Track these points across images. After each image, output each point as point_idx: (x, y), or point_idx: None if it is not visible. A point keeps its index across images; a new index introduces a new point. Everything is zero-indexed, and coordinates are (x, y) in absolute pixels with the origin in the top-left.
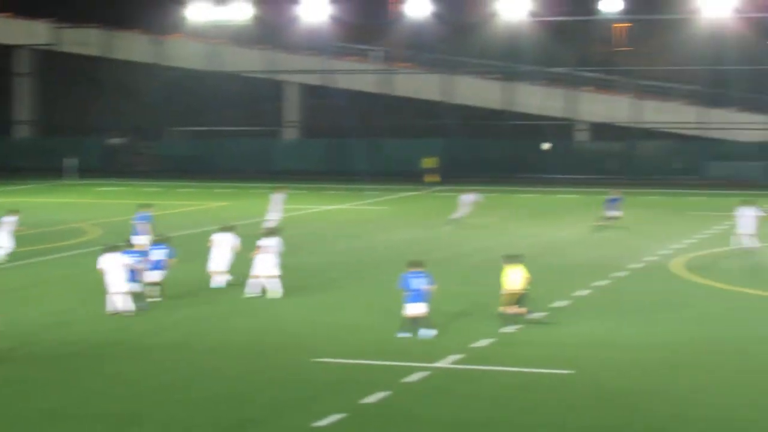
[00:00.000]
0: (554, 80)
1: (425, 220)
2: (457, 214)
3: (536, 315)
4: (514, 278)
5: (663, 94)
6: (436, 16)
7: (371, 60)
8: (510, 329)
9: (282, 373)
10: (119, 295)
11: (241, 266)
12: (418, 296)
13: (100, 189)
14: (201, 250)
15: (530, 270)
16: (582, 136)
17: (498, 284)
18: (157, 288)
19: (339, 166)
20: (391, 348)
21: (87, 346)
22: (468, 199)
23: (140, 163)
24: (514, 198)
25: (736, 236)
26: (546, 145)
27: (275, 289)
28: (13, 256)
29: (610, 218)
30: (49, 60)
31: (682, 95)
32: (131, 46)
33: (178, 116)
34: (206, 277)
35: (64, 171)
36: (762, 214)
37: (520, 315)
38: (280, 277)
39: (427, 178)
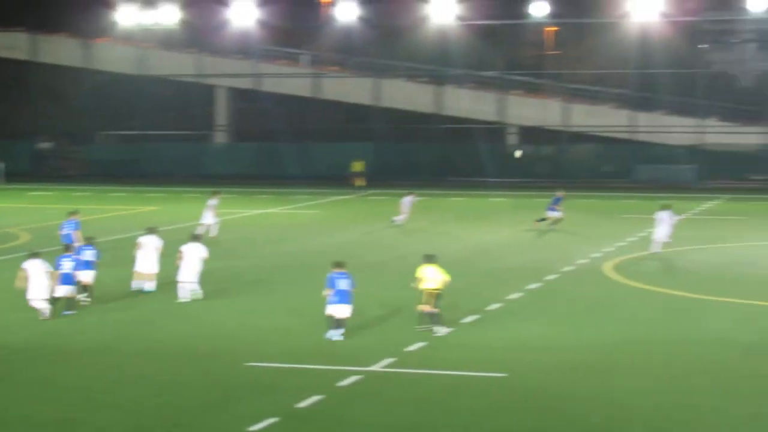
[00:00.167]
0: (484, 84)
1: (357, 224)
2: (399, 217)
3: (441, 330)
4: (431, 277)
5: (592, 97)
6: (366, 19)
7: (302, 64)
8: (443, 332)
9: (215, 378)
10: (38, 301)
11: (168, 269)
12: (342, 297)
13: (29, 194)
14: (132, 255)
15: (463, 273)
16: (512, 139)
17: None
18: (87, 290)
19: (270, 170)
20: (325, 352)
21: (17, 350)
22: (408, 202)
23: (69, 168)
24: (444, 201)
25: (653, 240)
26: (518, 153)
27: (186, 294)
28: None
29: (551, 219)
30: None
31: (611, 99)
32: (59, 50)
33: (107, 120)
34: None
35: None
36: (676, 219)
37: (432, 315)
38: (197, 282)
39: (357, 182)
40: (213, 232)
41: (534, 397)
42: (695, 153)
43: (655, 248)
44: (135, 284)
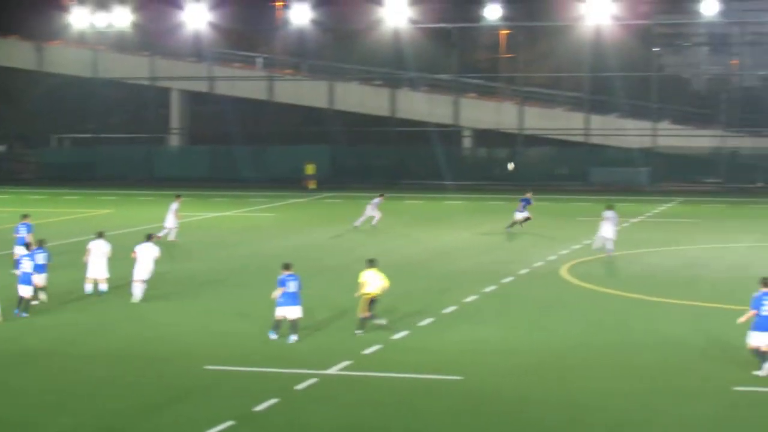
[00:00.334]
0: (439, 87)
1: (313, 227)
2: (374, 221)
3: (381, 321)
4: (370, 282)
5: (547, 100)
6: (320, 23)
7: (256, 67)
8: (399, 335)
9: (172, 381)
10: None
11: (121, 272)
12: (291, 299)
13: None
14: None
15: (419, 276)
16: (467, 142)
17: (388, 290)
18: (41, 292)
19: (224, 173)
20: (281, 355)
21: None
22: (374, 203)
23: (23, 171)
24: (401, 204)
25: (597, 239)
26: (510, 165)
27: (139, 293)
28: None
29: (520, 220)
30: None
31: (566, 102)
32: (12, 53)
33: (61, 123)
34: (93, 285)
35: None
36: (617, 219)
37: (368, 319)
38: (146, 282)
39: (310, 185)
40: (171, 236)
41: (489, 399)
42: (649, 156)
43: (596, 244)
44: (88, 287)
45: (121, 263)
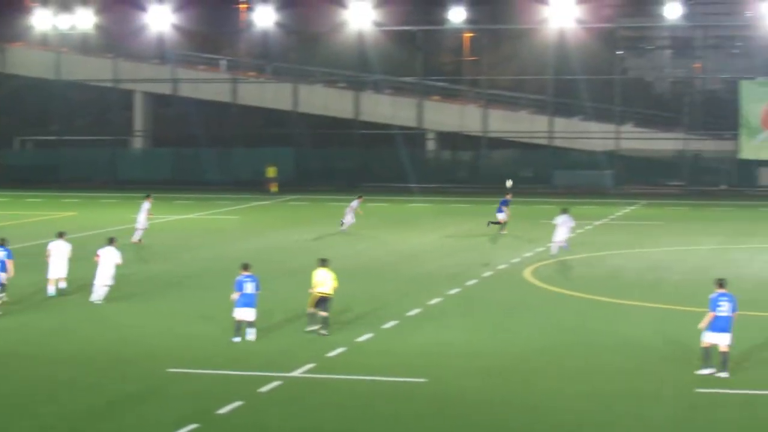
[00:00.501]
0: (403, 89)
1: (276, 230)
2: (346, 222)
3: (322, 332)
4: (321, 280)
5: (511, 103)
6: (284, 25)
7: (221, 69)
8: (363, 338)
9: (136, 384)
10: None
11: (83, 274)
12: (246, 300)
13: None
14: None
15: (384, 279)
16: (431, 145)
17: (352, 293)
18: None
19: (188, 175)
20: (245, 357)
21: None
22: (354, 206)
23: None
24: (365, 207)
25: (553, 246)
26: (509, 183)
27: (100, 296)
28: None
29: (499, 222)
30: None
31: (529, 105)
32: None
33: (24, 125)
34: (55, 287)
35: None
36: (573, 223)
37: (320, 317)
38: (110, 286)
39: (271, 188)
40: (136, 237)
41: (453, 402)
42: (613, 159)
43: (554, 250)
44: (50, 289)
45: (83, 265)
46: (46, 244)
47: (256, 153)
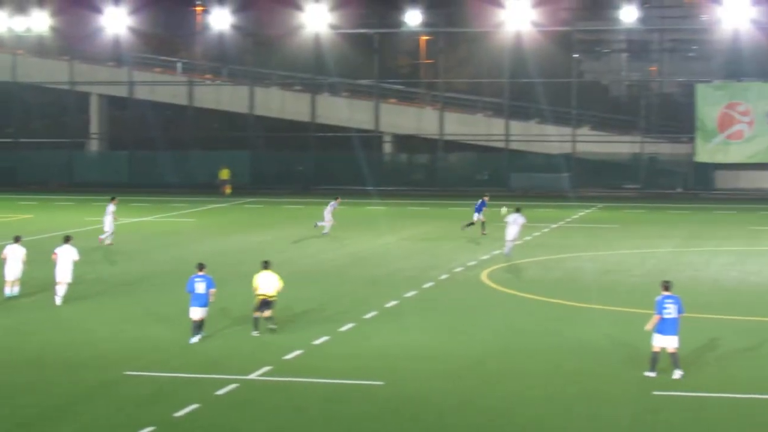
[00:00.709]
0: (360, 92)
1: (232, 233)
2: (324, 226)
3: (272, 326)
4: (264, 283)
5: (467, 106)
6: (241, 28)
7: (177, 72)
8: (320, 340)
9: (92, 387)
10: None
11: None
12: (197, 300)
13: None
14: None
15: (340, 281)
16: (388, 147)
17: (309, 295)
18: None
19: (145, 178)
20: (202, 360)
21: None
22: (332, 208)
23: None
24: (320, 210)
25: (507, 245)
26: (504, 210)
27: (60, 296)
28: None
29: (478, 222)
30: None
31: (486, 107)
32: None
33: None
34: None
35: None
36: (523, 220)
37: (265, 318)
38: (69, 284)
39: (226, 190)
40: (105, 239)
41: (410, 405)
42: (569, 162)
43: (507, 250)
44: (6, 290)
45: (40, 267)
46: (2, 247)
47: (213, 156)
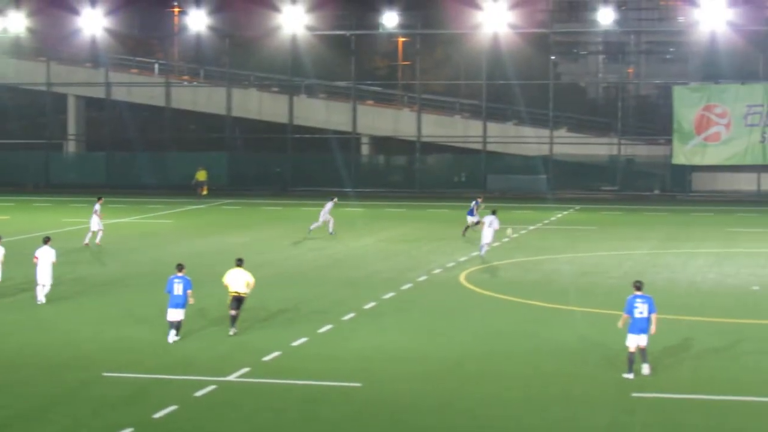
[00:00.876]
0: (337, 94)
1: (210, 234)
2: (317, 224)
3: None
4: (234, 281)
5: (445, 108)
6: (218, 29)
7: (155, 73)
8: (299, 342)
9: (71, 388)
10: None
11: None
12: (176, 301)
13: None
14: None
15: (318, 283)
16: (366, 149)
17: (287, 297)
18: None
19: (122, 179)
20: (181, 361)
21: None
22: (328, 208)
23: None
24: (299, 212)
25: (482, 247)
26: (509, 231)
27: (42, 296)
28: None
29: (471, 223)
30: None
31: (464, 109)
32: None
33: None
34: None
35: None
36: (497, 226)
37: (235, 318)
38: (50, 285)
39: (202, 191)
40: (90, 239)
41: (388, 407)
42: (546, 163)
43: (482, 251)
44: None
45: (17, 268)
46: None
47: (190, 157)
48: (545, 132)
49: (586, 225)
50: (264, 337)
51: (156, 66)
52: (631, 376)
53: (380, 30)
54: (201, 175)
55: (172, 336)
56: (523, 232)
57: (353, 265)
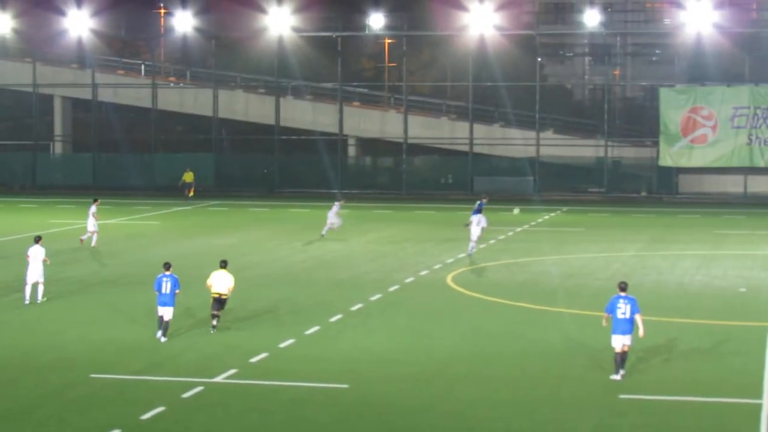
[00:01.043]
0: (324, 95)
1: (196, 235)
2: (328, 227)
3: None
4: (217, 282)
5: (432, 109)
6: (204, 30)
7: (141, 74)
8: (286, 344)
9: (59, 390)
10: None
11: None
12: (165, 299)
13: None
14: None
15: (306, 284)
16: (352, 151)
17: (274, 299)
18: None
19: (109, 180)
20: (169, 363)
21: None
22: (335, 210)
23: None
24: (286, 213)
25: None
26: (516, 211)
27: (41, 295)
28: None
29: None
30: None
31: (450, 111)
32: None
33: None
34: None
35: None
36: (485, 224)
37: (218, 317)
38: (42, 283)
39: (189, 193)
40: (88, 239)
41: (376, 408)
42: (533, 165)
43: (470, 250)
44: None
45: (2, 270)
46: None
47: (177, 158)
48: (532, 134)
49: (573, 227)
50: (251, 339)
51: (142, 67)
52: (618, 377)
53: (366, 31)
54: (188, 177)
55: (160, 334)
56: (510, 233)
57: (340, 266)
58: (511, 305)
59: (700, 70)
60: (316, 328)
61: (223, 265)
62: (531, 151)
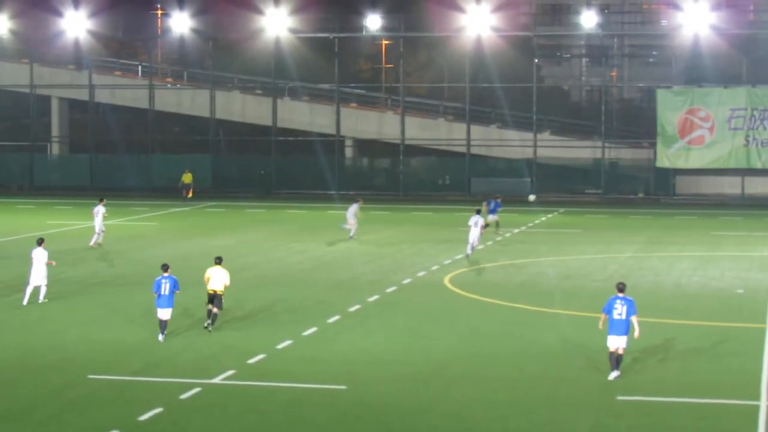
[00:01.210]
0: (321, 96)
1: (194, 236)
2: (349, 229)
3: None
4: (213, 278)
5: (429, 111)
6: (201, 32)
7: (139, 75)
8: (283, 345)
9: (57, 390)
10: None
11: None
12: (164, 300)
13: None
14: None
15: (303, 286)
16: (350, 152)
17: (272, 300)
18: None
19: (106, 181)
20: (166, 364)
21: None
22: (352, 209)
23: None
24: (283, 214)
25: (468, 248)
26: (532, 197)
27: (42, 296)
28: None
29: (493, 223)
30: None
31: (447, 112)
32: None
33: None
34: None
35: None
36: (482, 224)
37: (214, 314)
38: (45, 285)
39: (189, 194)
40: (96, 240)
41: (373, 409)
42: (530, 166)
43: (468, 250)
44: None
45: (1, 270)
46: None
47: (174, 159)
48: (529, 135)
49: (570, 228)
50: (249, 340)
51: (139, 68)
52: (611, 378)
53: (364, 33)
54: (187, 178)
55: (162, 337)
56: (507, 235)
57: (338, 267)
58: (508, 306)
59: (697, 72)
60: (313, 329)
61: (218, 261)
62: (528, 153)
